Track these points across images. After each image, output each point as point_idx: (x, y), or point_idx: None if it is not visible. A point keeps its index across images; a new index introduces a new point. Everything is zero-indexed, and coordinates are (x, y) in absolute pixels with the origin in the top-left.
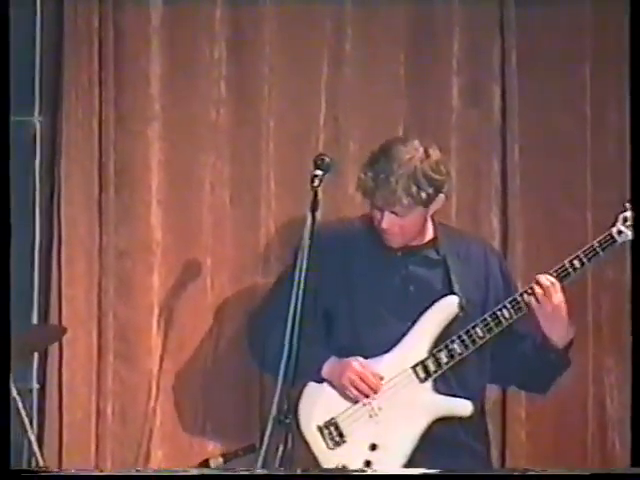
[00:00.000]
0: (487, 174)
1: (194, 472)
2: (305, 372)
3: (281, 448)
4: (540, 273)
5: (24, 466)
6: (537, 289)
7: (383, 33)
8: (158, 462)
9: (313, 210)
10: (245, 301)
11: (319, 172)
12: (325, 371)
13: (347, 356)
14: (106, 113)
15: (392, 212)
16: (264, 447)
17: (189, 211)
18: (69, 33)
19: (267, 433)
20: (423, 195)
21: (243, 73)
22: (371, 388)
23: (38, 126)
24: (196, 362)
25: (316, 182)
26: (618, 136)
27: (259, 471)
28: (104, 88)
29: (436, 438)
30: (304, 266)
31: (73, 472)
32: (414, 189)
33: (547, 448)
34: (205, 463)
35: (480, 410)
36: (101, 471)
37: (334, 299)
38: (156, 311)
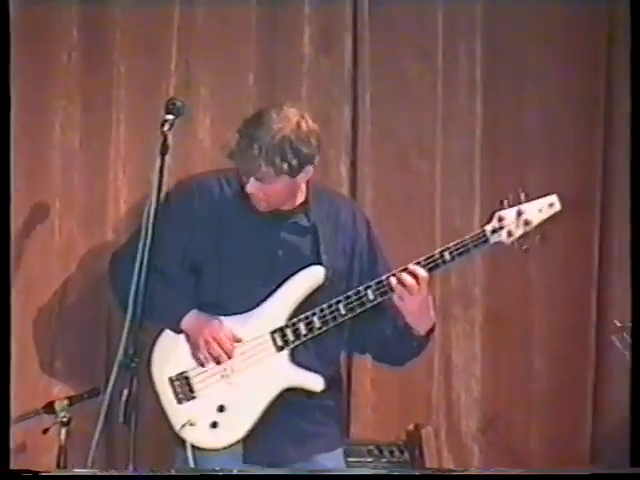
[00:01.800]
0: (337, 122)
1: (195, 472)
2: (164, 320)
3: (125, 392)
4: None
5: None
6: (405, 279)
7: None
8: None
9: (163, 154)
10: (93, 245)
11: (169, 116)
12: (184, 323)
13: (210, 311)
14: None
15: (255, 178)
16: (109, 390)
17: (39, 154)
18: None
19: (112, 377)
20: (285, 166)
21: (94, 16)
22: (225, 352)
23: None
24: (43, 304)
25: (166, 126)
26: (469, 86)
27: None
28: None
29: (287, 404)
30: (152, 211)
31: (73, 472)
32: (277, 159)
33: (393, 398)
34: (50, 405)
35: (336, 378)
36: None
37: (203, 254)
38: None
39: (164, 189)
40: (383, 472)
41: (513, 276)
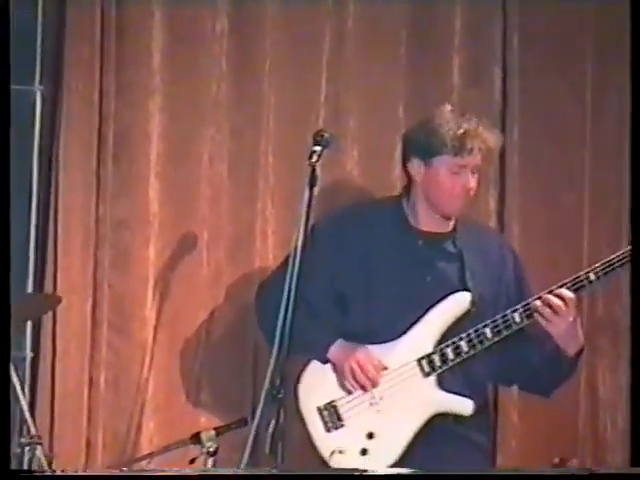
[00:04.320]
0: None
1: (195, 472)
2: (311, 350)
3: (272, 423)
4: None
5: (15, 435)
6: (552, 300)
7: (385, 10)
8: (150, 433)
9: (311, 186)
10: (240, 275)
11: (318, 148)
12: (331, 353)
13: (357, 340)
14: (107, 84)
15: (472, 168)
16: (255, 422)
17: (187, 184)
18: (72, 3)
19: (259, 407)
20: (491, 142)
21: (244, 48)
22: (370, 380)
23: (38, 95)
24: (190, 335)
25: (314, 158)
26: (618, 120)
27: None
28: (105, 59)
29: (435, 430)
30: (299, 243)
31: (73, 472)
32: (485, 134)
33: (539, 429)
34: (196, 436)
35: (484, 404)
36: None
37: (350, 282)
38: (151, 283)
39: (312, 220)
40: None
41: None
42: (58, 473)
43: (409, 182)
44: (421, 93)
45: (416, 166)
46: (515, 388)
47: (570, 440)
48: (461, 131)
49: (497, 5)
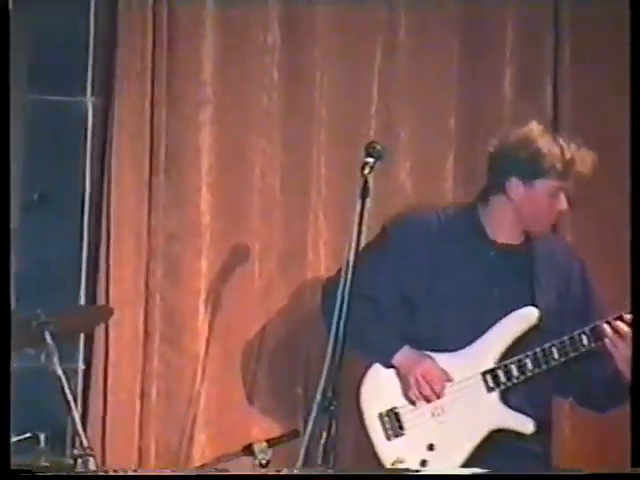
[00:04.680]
0: None
1: (194, 472)
2: (376, 354)
3: (324, 435)
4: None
5: (67, 446)
6: (621, 327)
7: (437, 22)
8: (202, 445)
9: (363, 197)
10: (292, 287)
11: (370, 159)
12: (397, 359)
13: (421, 345)
14: (158, 96)
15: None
16: (308, 433)
17: (239, 196)
18: (123, 15)
19: (311, 419)
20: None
21: (295, 59)
22: (434, 393)
23: (90, 107)
24: (242, 347)
25: (367, 169)
26: None
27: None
28: (157, 71)
29: (494, 445)
30: (352, 255)
31: (73, 472)
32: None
33: (590, 444)
34: (249, 448)
35: (545, 421)
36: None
37: (419, 287)
38: (203, 295)
39: (364, 232)
40: None
41: None
42: (58, 473)
43: (489, 193)
44: (472, 104)
45: (514, 185)
46: (568, 403)
47: (624, 455)
48: (569, 156)
49: (549, 17)
